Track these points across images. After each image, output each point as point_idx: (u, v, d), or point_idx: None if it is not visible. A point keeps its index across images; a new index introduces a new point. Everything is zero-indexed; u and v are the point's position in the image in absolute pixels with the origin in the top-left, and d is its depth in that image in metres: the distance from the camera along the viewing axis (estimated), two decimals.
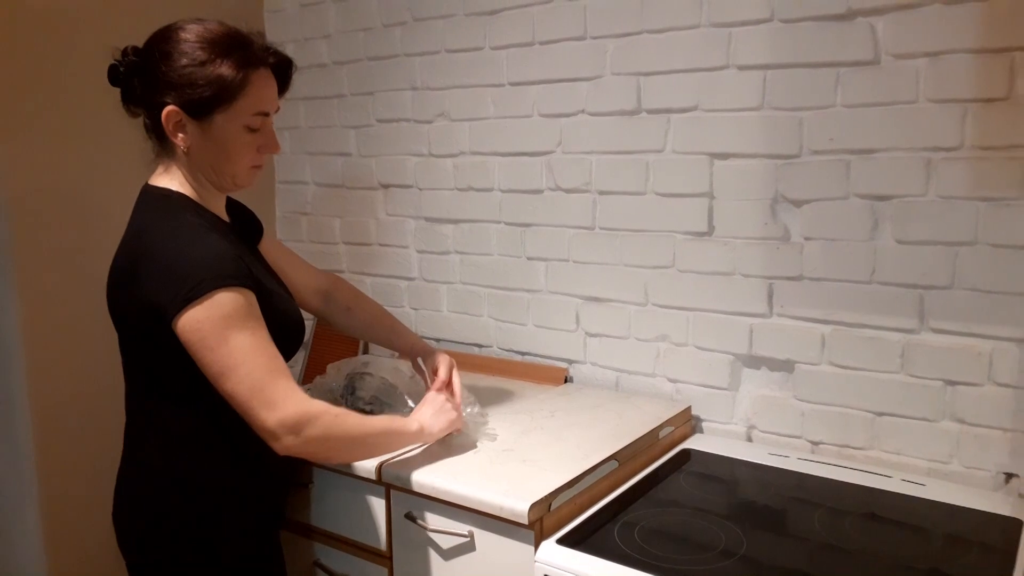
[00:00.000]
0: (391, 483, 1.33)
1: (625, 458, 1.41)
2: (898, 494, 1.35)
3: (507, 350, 1.94)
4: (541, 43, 1.77)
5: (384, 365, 1.60)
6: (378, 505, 1.37)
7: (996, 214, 1.32)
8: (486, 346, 1.98)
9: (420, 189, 2.03)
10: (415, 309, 2.09)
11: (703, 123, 1.58)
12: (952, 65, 1.33)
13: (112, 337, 1.22)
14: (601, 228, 1.75)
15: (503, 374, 1.89)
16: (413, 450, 1.38)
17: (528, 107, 1.81)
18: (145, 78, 1.16)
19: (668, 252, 1.66)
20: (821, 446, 1.53)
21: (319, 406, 1.15)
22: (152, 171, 1.23)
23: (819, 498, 1.35)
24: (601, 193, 1.74)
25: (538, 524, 1.20)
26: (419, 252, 2.06)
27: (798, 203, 1.50)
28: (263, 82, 1.18)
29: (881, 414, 1.47)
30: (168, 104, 1.14)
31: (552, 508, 1.22)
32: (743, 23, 1.51)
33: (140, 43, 1.18)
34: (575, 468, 1.30)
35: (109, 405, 1.39)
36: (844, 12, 1.41)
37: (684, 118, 1.60)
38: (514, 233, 1.89)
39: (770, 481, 1.42)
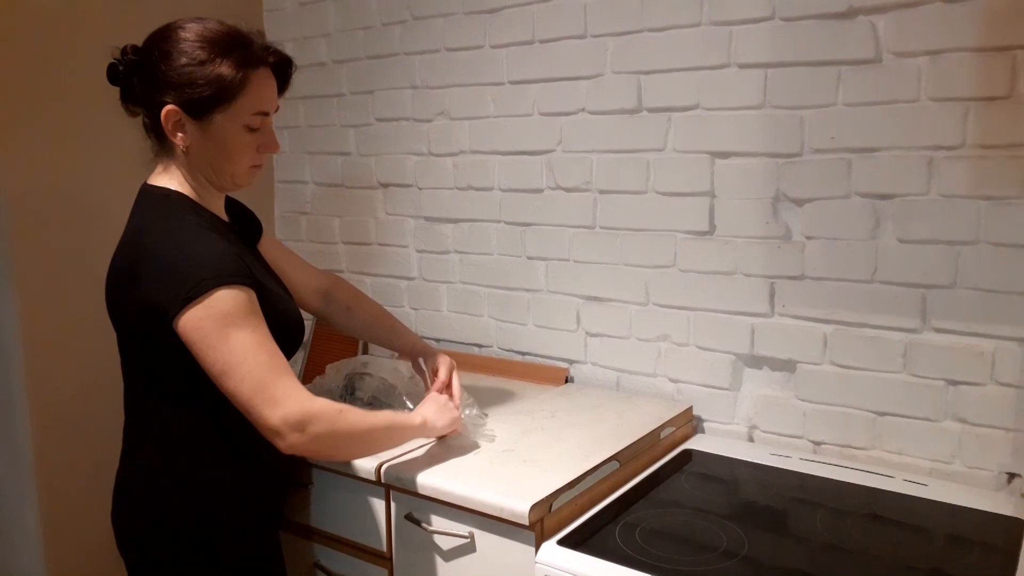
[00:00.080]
0: (391, 484, 1.33)
1: (626, 459, 1.41)
2: (900, 494, 1.34)
3: (507, 350, 1.94)
4: (541, 41, 1.77)
5: (383, 365, 1.60)
6: (378, 506, 1.37)
7: (998, 213, 1.32)
8: (486, 346, 1.98)
9: (420, 188, 2.03)
10: (415, 309, 2.09)
11: (704, 122, 1.58)
12: (953, 63, 1.33)
13: (112, 337, 1.21)
14: (602, 227, 1.74)
15: (503, 374, 1.89)
16: (413, 451, 1.37)
17: (528, 106, 1.81)
18: (144, 77, 1.16)
19: (669, 251, 1.66)
20: (823, 446, 1.53)
21: (322, 403, 1.14)
22: (151, 170, 1.22)
23: (821, 498, 1.34)
24: (601, 192, 1.73)
25: (539, 525, 1.19)
26: (419, 252, 2.06)
27: (799, 202, 1.50)
28: (263, 82, 1.18)
29: (883, 414, 1.46)
30: (167, 103, 1.14)
31: (553, 509, 1.22)
32: (744, 21, 1.51)
33: (140, 43, 1.18)
34: (576, 469, 1.30)
35: (109, 405, 1.39)
36: (845, 10, 1.41)
37: (685, 117, 1.60)
38: (514, 232, 1.88)
39: (772, 481, 1.41)
